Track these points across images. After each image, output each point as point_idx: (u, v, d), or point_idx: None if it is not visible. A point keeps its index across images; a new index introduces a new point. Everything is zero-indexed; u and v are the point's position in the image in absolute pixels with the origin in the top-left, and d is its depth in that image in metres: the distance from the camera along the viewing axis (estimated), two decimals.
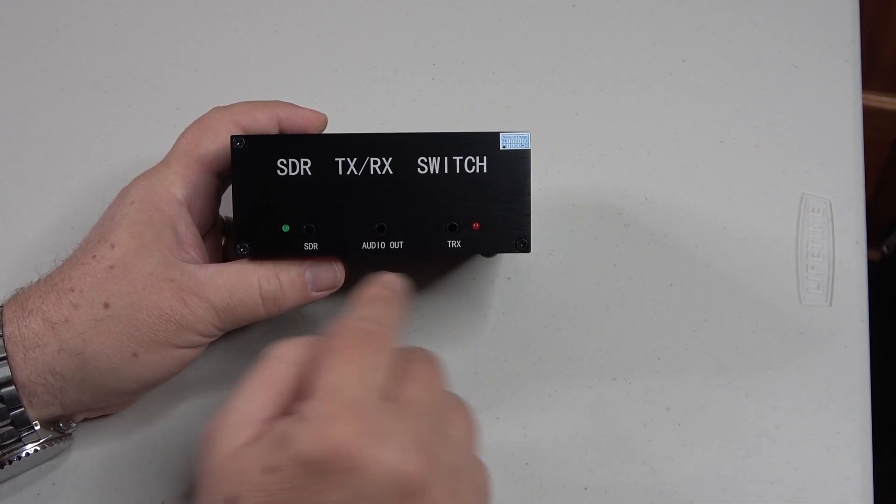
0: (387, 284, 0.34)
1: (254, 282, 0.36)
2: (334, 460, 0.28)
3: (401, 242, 0.36)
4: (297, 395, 0.31)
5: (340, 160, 0.36)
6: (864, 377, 0.42)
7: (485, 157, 0.36)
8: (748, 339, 0.43)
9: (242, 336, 0.43)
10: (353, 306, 0.33)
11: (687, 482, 0.41)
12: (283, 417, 0.30)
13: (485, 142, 0.36)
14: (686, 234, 0.45)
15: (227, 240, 0.42)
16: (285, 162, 0.36)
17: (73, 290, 0.35)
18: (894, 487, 0.78)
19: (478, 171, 0.36)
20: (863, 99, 0.47)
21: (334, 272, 0.38)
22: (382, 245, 0.36)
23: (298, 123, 0.38)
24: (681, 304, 0.43)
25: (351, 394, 0.29)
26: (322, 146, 0.36)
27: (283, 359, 0.32)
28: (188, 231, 0.37)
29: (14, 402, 0.35)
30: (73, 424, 0.38)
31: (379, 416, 0.29)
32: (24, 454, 0.36)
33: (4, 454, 0.36)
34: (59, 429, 0.38)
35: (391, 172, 0.36)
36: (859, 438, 0.41)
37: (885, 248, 0.95)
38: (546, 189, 0.45)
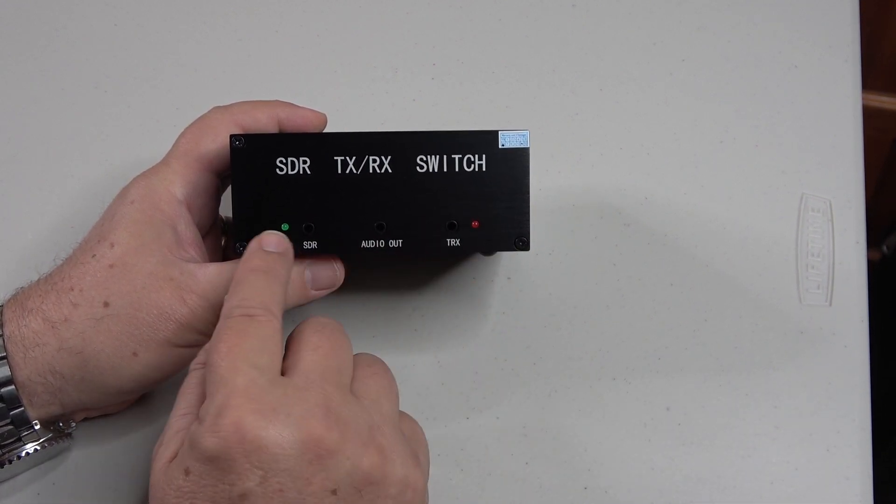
0: (264, 253, 0.35)
1: None
2: (235, 448, 0.28)
3: (400, 241, 0.36)
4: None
5: (340, 159, 0.36)
6: (864, 377, 0.42)
7: (484, 156, 0.36)
8: (748, 339, 0.43)
9: None
10: (230, 289, 0.33)
11: (687, 482, 0.41)
12: (194, 422, 0.31)
13: (484, 140, 0.36)
14: (686, 234, 0.45)
15: (227, 239, 0.42)
16: (284, 161, 0.36)
17: (72, 290, 0.35)
18: (894, 487, 0.78)
19: (477, 169, 0.36)
20: (863, 99, 0.47)
21: (334, 271, 0.38)
22: (382, 244, 0.36)
23: (298, 123, 0.38)
24: (681, 304, 0.43)
25: (238, 381, 0.30)
26: (321, 145, 0.36)
27: (193, 370, 0.33)
28: (188, 230, 0.37)
29: (14, 401, 0.35)
30: (73, 424, 0.38)
31: (270, 394, 0.30)
32: (24, 454, 0.36)
33: (4, 454, 0.36)
34: (59, 428, 0.38)
35: (390, 171, 0.36)
36: (859, 438, 0.41)
37: (885, 248, 0.95)
38: (546, 189, 0.45)
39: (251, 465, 0.29)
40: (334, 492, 0.29)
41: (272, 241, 0.35)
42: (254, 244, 0.35)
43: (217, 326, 0.32)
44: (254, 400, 0.29)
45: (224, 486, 0.29)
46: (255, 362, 0.30)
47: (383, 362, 0.35)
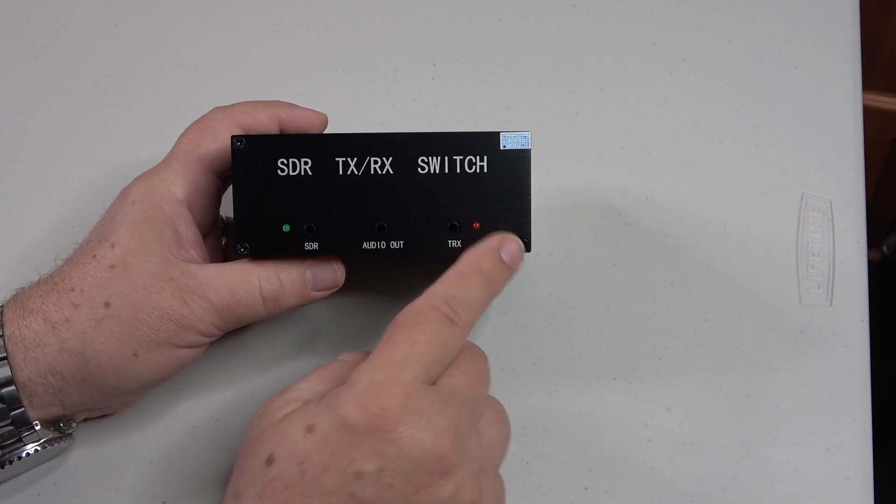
0: (496, 267, 0.34)
1: (254, 282, 0.36)
2: (374, 429, 0.29)
3: (401, 242, 0.36)
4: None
5: (341, 160, 0.36)
6: (864, 377, 0.42)
7: (485, 157, 0.36)
8: (748, 339, 0.43)
9: (242, 336, 0.43)
10: (449, 276, 0.33)
11: (687, 482, 0.41)
12: (336, 388, 0.31)
13: (485, 141, 0.36)
14: (686, 234, 0.45)
15: (228, 240, 0.42)
16: (286, 162, 0.36)
17: (73, 290, 0.35)
18: (894, 487, 0.78)
19: (478, 170, 0.36)
20: (863, 99, 0.48)
21: (335, 272, 0.38)
22: (383, 245, 0.36)
23: (299, 123, 0.38)
24: (681, 304, 0.43)
25: (404, 373, 0.30)
26: (322, 146, 0.36)
27: (347, 361, 0.34)
28: (189, 231, 0.37)
29: (14, 402, 0.35)
30: (74, 424, 0.38)
31: (422, 398, 0.30)
32: (24, 454, 0.36)
33: (5, 454, 0.36)
34: (60, 429, 0.38)
35: (391, 172, 0.36)
36: (859, 438, 0.41)
37: (885, 248, 0.95)
38: (546, 189, 0.45)
39: (377, 451, 0.29)
40: None
41: (513, 251, 0.35)
42: (495, 243, 0.35)
43: (418, 306, 0.32)
44: (409, 396, 0.30)
45: (343, 459, 0.29)
46: (428, 367, 0.31)
47: (507, 415, 0.35)
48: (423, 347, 0.31)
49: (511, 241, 0.35)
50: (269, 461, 0.30)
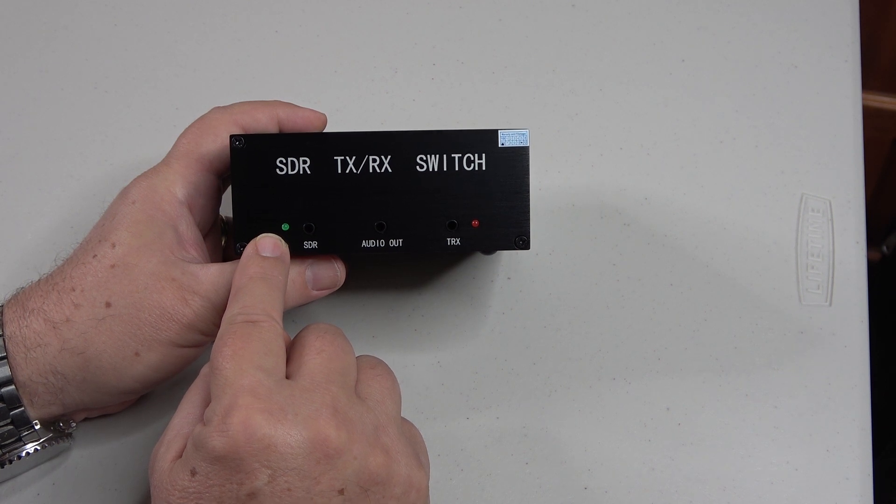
0: (257, 265, 0.35)
1: None
2: (243, 447, 0.29)
3: (400, 240, 0.36)
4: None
5: (340, 159, 0.36)
6: (864, 377, 0.42)
7: (484, 155, 0.36)
8: (748, 339, 0.43)
9: None
10: (231, 296, 0.34)
11: (687, 482, 0.41)
12: (198, 424, 0.31)
13: (484, 139, 0.36)
14: (686, 234, 0.45)
15: (228, 239, 0.42)
16: (284, 161, 0.36)
17: (74, 290, 0.35)
18: (894, 487, 0.78)
19: (477, 168, 0.36)
20: (863, 99, 0.47)
21: (335, 271, 0.38)
22: (382, 243, 0.36)
23: (298, 123, 0.38)
24: (680, 304, 0.43)
25: (244, 382, 0.30)
26: (321, 145, 0.36)
27: (202, 376, 0.34)
28: (189, 230, 0.37)
29: (14, 401, 0.35)
30: (74, 424, 0.38)
31: (277, 394, 0.30)
32: (24, 454, 0.36)
33: (5, 454, 0.36)
34: (60, 428, 0.38)
35: (390, 171, 0.36)
36: (859, 438, 0.41)
37: (885, 248, 0.95)
38: (546, 189, 0.45)
39: (259, 464, 0.29)
40: (341, 491, 0.30)
41: (268, 245, 0.35)
42: (250, 249, 0.35)
43: (220, 332, 0.32)
44: (262, 400, 0.29)
45: (232, 485, 0.29)
46: (261, 364, 0.31)
47: (386, 364, 0.35)
48: (242, 352, 0.31)
49: (262, 239, 0.36)
50: None
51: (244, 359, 0.31)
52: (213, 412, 0.30)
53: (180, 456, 0.31)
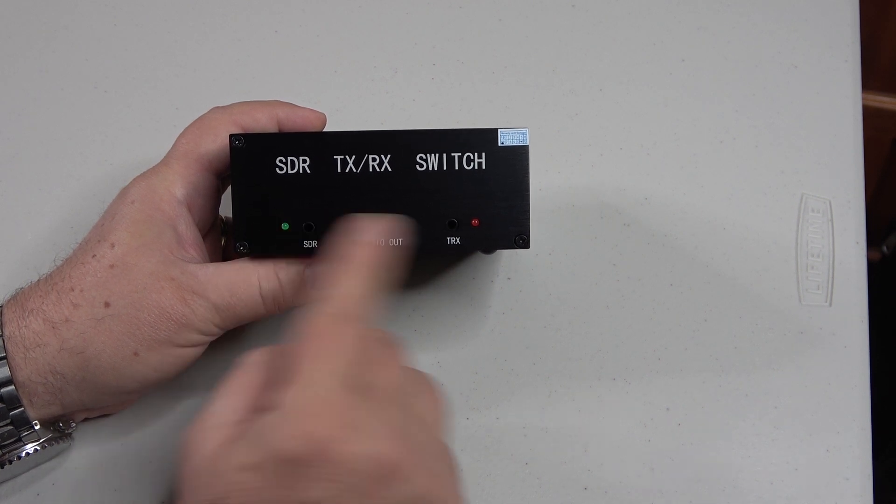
0: (360, 241, 0.33)
1: (254, 281, 0.36)
2: (312, 455, 0.28)
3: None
4: (269, 394, 0.31)
5: (339, 158, 0.36)
6: (864, 377, 0.42)
7: (483, 154, 0.36)
8: (748, 339, 0.43)
9: (243, 335, 0.43)
10: (337, 273, 0.32)
11: (687, 482, 0.41)
12: (258, 415, 0.30)
13: (483, 138, 0.36)
14: (686, 234, 0.45)
15: (227, 239, 0.42)
16: (284, 160, 0.36)
17: (73, 290, 0.35)
18: (894, 487, 0.78)
19: (477, 167, 0.36)
20: (862, 99, 0.47)
21: None
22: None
23: (297, 123, 0.38)
24: (680, 304, 0.43)
25: (323, 387, 0.29)
26: (321, 144, 0.36)
27: (254, 364, 0.32)
28: (188, 230, 0.37)
29: (14, 401, 0.35)
30: (73, 424, 0.38)
31: (352, 408, 0.29)
32: (24, 454, 0.36)
33: (4, 454, 0.36)
34: (59, 428, 0.38)
35: (390, 170, 0.36)
36: (859, 438, 0.41)
37: (885, 248, 0.95)
38: (546, 189, 0.45)
39: (325, 476, 0.28)
40: None
41: (371, 229, 0.33)
42: (367, 226, 0.33)
43: (312, 319, 0.31)
44: (339, 413, 0.29)
45: (292, 491, 0.28)
46: (346, 374, 0.30)
47: (435, 382, 0.34)
48: (336, 354, 0.30)
49: (361, 223, 0.33)
50: None
51: (331, 362, 0.30)
52: (286, 406, 0.29)
53: (229, 442, 0.30)
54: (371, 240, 0.33)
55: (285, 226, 0.36)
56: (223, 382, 0.32)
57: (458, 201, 0.36)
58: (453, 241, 0.36)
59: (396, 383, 0.32)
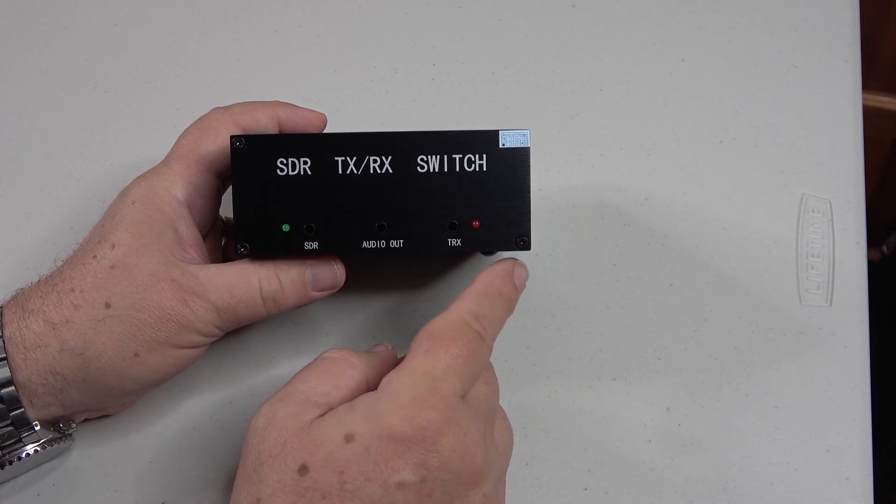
0: (512, 286, 0.36)
1: (254, 282, 0.36)
2: (419, 440, 0.30)
3: (401, 241, 0.36)
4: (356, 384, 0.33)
5: (340, 159, 0.36)
6: (864, 377, 0.42)
7: (484, 156, 0.36)
8: (748, 339, 0.43)
9: (242, 336, 0.43)
10: (474, 294, 0.35)
11: (687, 482, 0.41)
12: (365, 394, 0.32)
13: (484, 140, 0.36)
14: (686, 234, 0.45)
15: (228, 240, 0.42)
16: (285, 161, 0.36)
17: (73, 291, 0.35)
18: (894, 487, 0.78)
19: (477, 169, 0.36)
20: (863, 99, 0.47)
21: (335, 272, 0.38)
22: (383, 244, 0.36)
23: (298, 123, 0.38)
24: (681, 304, 0.43)
25: (445, 387, 0.31)
26: (322, 145, 0.36)
27: (338, 359, 0.35)
28: (189, 231, 0.37)
29: (14, 402, 0.35)
30: (74, 425, 0.38)
31: (460, 412, 0.31)
32: (24, 455, 0.36)
33: (5, 455, 0.36)
34: (60, 429, 0.38)
35: (391, 171, 0.36)
36: (859, 438, 0.41)
37: (885, 248, 0.95)
38: (546, 189, 0.45)
39: (421, 462, 0.30)
40: None
41: (521, 277, 0.37)
42: (508, 267, 0.36)
43: (452, 321, 0.33)
44: (451, 409, 0.31)
45: (386, 469, 0.30)
46: (464, 381, 0.32)
47: (508, 418, 0.36)
48: (461, 363, 0.32)
49: (521, 268, 0.37)
50: (303, 470, 0.30)
51: (457, 367, 0.32)
52: (401, 390, 0.31)
53: (330, 415, 0.31)
54: (521, 287, 0.37)
55: (286, 227, 0.36)
56: (305, 369, 0.34)
57: (458, 203, 0.36)
58: (454, 242, 0.36)
59: (491, 404, 0.34)
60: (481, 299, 0.34)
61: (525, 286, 0.37)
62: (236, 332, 0.41)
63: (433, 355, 0.32)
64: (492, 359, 0.43)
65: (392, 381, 0.32)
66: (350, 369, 0.34)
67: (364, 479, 0.30)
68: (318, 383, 0.33)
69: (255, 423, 0.32)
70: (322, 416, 0.32)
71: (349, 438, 0.30)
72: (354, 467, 0.30)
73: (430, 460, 0.30)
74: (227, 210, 0.39)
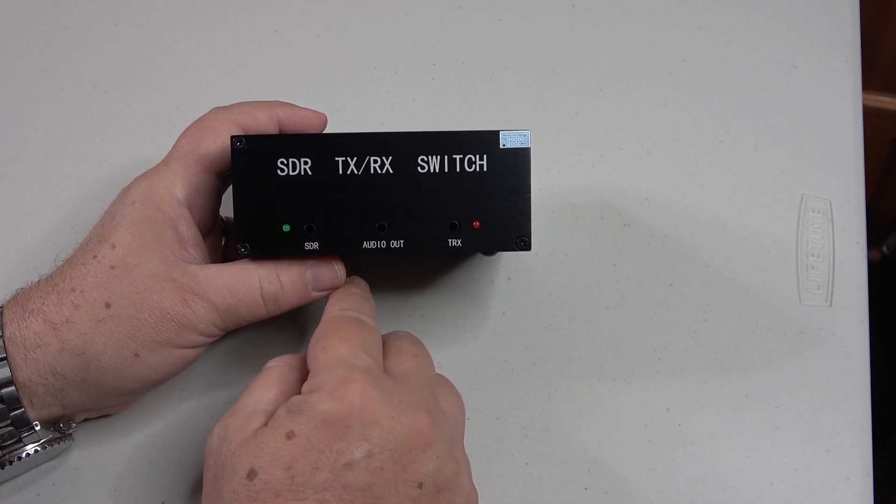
0: (357, 284, 0.39)
1: (254, 282, 0.36)
2: (355, 416, 0.30)
3: (401, 241, 0.36)
4: (297, 387, 0.34)
5: (340, 160, 0.36)
6: (864, 377, 0.42)
7: (485, 156, 0.36)
8: (748, 339, 0.43)
9: (243, 336, 0.43)
10: (331, 301, 0.37)
11: (687, 482, 0.41)
12: (295, 396, 0.32)
13: (485, 140, 0.36)
14: (686, 234, 0.45)
15: (228, 240, 0.42)
16: (285, 161, 0.36)
17: (74, 291, 0.35)
18: (894, 487, 0.78)
19: (478, 169, 0.36)
20: (863, 99, 0.47)
21: (335, 272, 0.38)
22: (383, 244, 0.36)
23: (298, 123, 0.38)
24: (681, 304, 0.43)
25: (357, 363, 0.32)
26: (322, 146, 0.36)
27: (280, 366, 0.35)
28: (189, 231, 0.37)
29: (14, 402, 0.35)
30: (74, 425, 0.38)
31: (387, 382, 0.32)
32: (24, 455, 0.36)
33: (5, 455, 0.36)
34: (60, 429, 0.38)
35: (391, 171, 0.36)
36: (859, 438, 0.41)
37: (885, 248, 0.95)
38: (546, 189, 0.45)
39: (363, 436, 0.30)
40: (420, 485, 0.31)
41: (363, 283, 0.40)
42: (347, 282, 0.39)
43: (326, 321, 0.35)
44: (376, 381, 0.31)
45: (331, 452, 0.30)
46: (372, 354, 0.33)
47: (455, 386, 0.37)
48: (357, 340, 0.33)
49: (354, 278, 0.40)
50: (252, 475, 0.30)
51: (358, 345, 0.33)
52: (322, 383, 0.31)
53: (266, 424, 0.32)
54: (364, 285, 0.40)
55: (286, 227, 0.36)
56: (251, 383, 0.35)
57: (459, 203, 0.36)
58: (454, 242, 0.36)
59: (425, 374, 0.34)
60: (340, 299, 0.36)
61: (367, 288, 0.39)
62: (236, 332, 0.41)
63: (331, 347, 0.33)
64: (491, 357, 0.43)
65: (310, 381, 0.32)
66: (293, 373, 0.35)
67: (312, 468, 0.30)
68: (264, 393, 0.34)
69: (210, 443, 0.33)
70: (268, 422, 0.32)
71: (290, 435, 0.30)
72: (301, 460, 0.30)
73: (370, 432, 0.30)
74: (227, 210, 0.39)
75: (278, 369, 0.35)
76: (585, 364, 0.43)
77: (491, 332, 0.43)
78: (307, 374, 0.34)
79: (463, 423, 0.36)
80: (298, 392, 0.33)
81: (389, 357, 0.35)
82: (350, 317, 0.35)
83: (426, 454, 0.31)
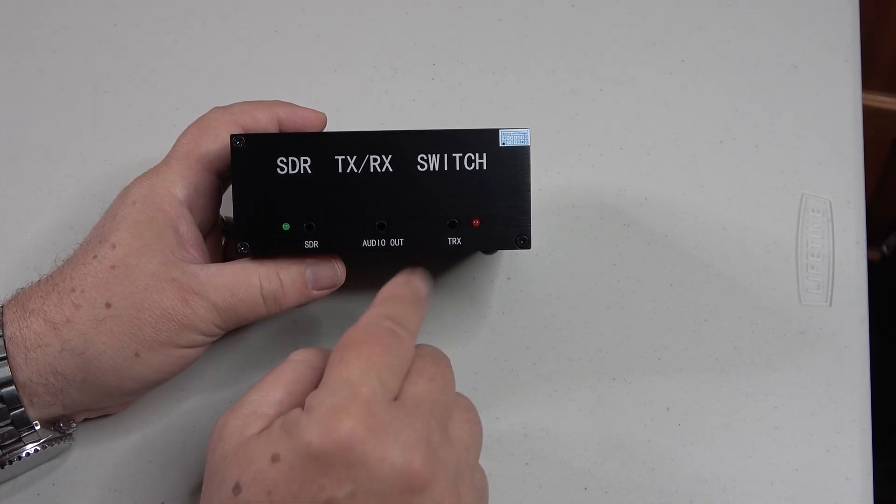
0: (413, 287, 0.35)
1: (255, 281, 0.36)
2: (341, 453, 0.28)
3: (401, 240, 0.36)
4: (308, 393, 0.32)
5: (340, 158, 0.36)
6: (864, 377, 0.42)
7: (484, 154, 0.36)
8: (748, 339, 0.43)
9: (243, 336, 0.43)
10: (377, 301, 0.34)
11: (687, 482, 0.41)
12: (292, 410, 0.31)
13: (484, 139, 0.36)
14: (686, 234, 0.45)
15: (228, 239, 0.42)
16: (285, 160, 0.36)
17: (74, 291, 0.35)
18: (894, 487, 0.78)
19: (478, 168, 0.36)
20: (862, 99, 0.47)
21: (335, 271, 0.38)
22: (383, 243, 0.36)
23: (298, 123, 0.38)
24: (680, 304, 0.43)
25: (363, 390, 0.30)
26: (322, 144, 0.36)
27: (301, 361, 0.34)
28: (189, 231, 0.37)
29: (14, 402, 0.35)
30: (74, 424, 0.38)
31: (386, 414, 0.30)
32: (24, 454, 0.36)
33: (5, 454, 0.36)
34: (60, 429, 0.38)
35: (391, 170, 0.36)
36: (859, 438, 0.41)
37: (885, 248, 0.95)
38: (546, 189, 0.45)
39: (347, 476, 0.28)
40: None
41: (420, 285, 0.36)
42: (414, 278, 0.36)
43: (359, 327, 0.32)
44: (371, 415, 0.29)
45: (312, 487, 0.29)
46: (385, 379, 0.30)
47: (476, 410, 0.35)
48: (377, 361, 0.31)
49: (417, 277, 0.36)
50: (237, 489, 0.29)
51: (373, 367, 0.30)
52: (320, 403, 0.29)
53: (265, 432, 0.30)
54: (423, 290, 0.36)
55: (286, 226, 0.36)
56: (266, 375, 0.33)
57: (458, 202, 0.36)
58: (454, 241, 0.36)
59: (434, 399, 0.32)
60: (386, 302, 0.34)
61: (427, 291, 0.36)
62: (236, 332, 0.41)
63: (346, 362, 0.30)
64: (491, 357, 0.43)
65: (312, 396, 0.30)
66: (310, 372, 0.33)
67: (292, 498, 0.29)
68: (271, 391, 0.33)
69: (211, 436, 0.32)
70: (262, 431, 0.31)
71: (275, 458, 0.29)
72: (282, 487, 0.29)
73: (356, 473, 0.28)
74: (227, 210, 0.39)
75: (296, 366, 0.33)
76: (585, 364, 0.43)
77: (491, 332, 0.43)
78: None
79: (477, 452, 0.34)
80: (308, 394, 0.32)
81: (407, 377, 0.32)
82: (384, 328, 0.32)
83: (419, 496, 0.29)
